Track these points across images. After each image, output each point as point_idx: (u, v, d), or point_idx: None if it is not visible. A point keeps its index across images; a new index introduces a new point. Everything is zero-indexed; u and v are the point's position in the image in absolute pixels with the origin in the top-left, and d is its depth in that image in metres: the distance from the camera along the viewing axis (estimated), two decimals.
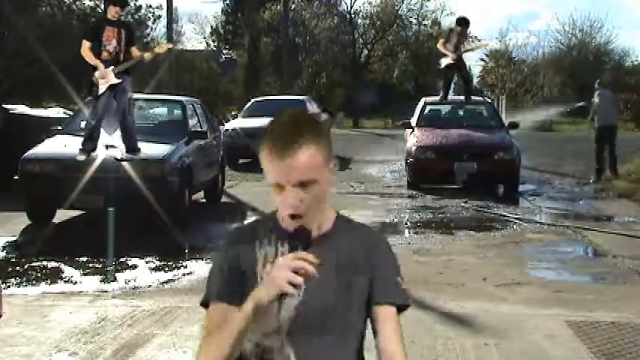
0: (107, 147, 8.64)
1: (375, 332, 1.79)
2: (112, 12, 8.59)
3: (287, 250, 1.72)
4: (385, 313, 1.77)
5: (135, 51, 8.79)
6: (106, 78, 8.44)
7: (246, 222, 1.93)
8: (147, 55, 8.90)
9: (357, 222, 1.92)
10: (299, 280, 1.59)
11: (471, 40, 13.91)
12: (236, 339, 1.68)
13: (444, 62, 13.39)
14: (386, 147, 17.75)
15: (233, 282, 1.78)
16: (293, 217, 1.69)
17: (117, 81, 8.53)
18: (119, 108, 8.67)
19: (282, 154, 1.65)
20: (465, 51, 13.73)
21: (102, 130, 8.74)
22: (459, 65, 13.48)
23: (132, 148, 8.55)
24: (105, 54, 8.52)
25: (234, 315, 1.69)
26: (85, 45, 8.54)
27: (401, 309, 1.80)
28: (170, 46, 10.13)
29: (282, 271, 1.60)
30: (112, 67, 8.51)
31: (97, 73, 8.47)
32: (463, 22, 13.40)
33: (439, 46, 13.58)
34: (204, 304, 1.83)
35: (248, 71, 35.56)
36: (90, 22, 28.59)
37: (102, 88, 8.50)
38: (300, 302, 1.72)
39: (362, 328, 1.81)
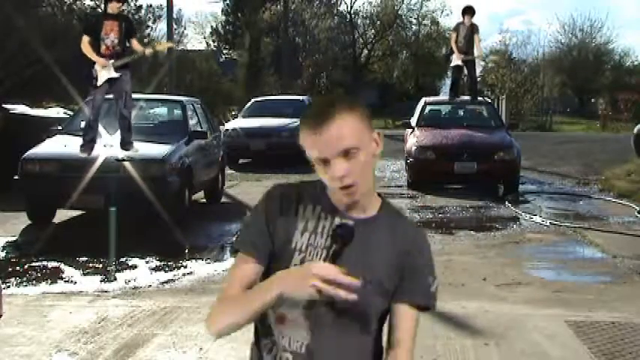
0: (106, 146, 8.64)
1: (390, 325, 1.81)
2: (113, 7, 8.60)
3: (327, 238, 1.72)
4: (406, 311, 1.79)
5: (135, 43, 8.77)
6: (106, 67, 8.43)
7: (291, 182, 1.88)
8: (147, 51, 8.91)
9: (401, 212, 1.91)
10: (330, 292, 1.58)
11: (480, 41, 13.41)
12: (251, 315, 1.70)
13: (454, 61, 13.32)
14: (386, 147, 17.76)
15: (267, 238, 1.77)
16: (344, 188, 1.70)
17: (116, 75, 8.53)
18: (117, 101, 8.65)
19: (318, 128, 1.68)
20: (475, 57, 13.51)
21: (101, 128, 8.74)
22: (467, 66, 13.40)
23: (126, 142, 8.54)
24: (104, 47, 8.53)
25: (254, 290, 1.69)
26: (85, 40, 8.55)
27: (423, 309, 1.83)
28: (171, 44, 10.19)
29: (315, 279, 1.58)
30: (112, 60, 8.50)
31: (96, 65, 8.47)
32: (468, 11, 13.06)
33: (451, 41, 13.45)
34: (236, 250, 1.82)
35: (248, 71, 35.52)
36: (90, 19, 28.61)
37: (101, 80, 8.49)
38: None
39: (384, 315, 1.81)
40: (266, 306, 1.67)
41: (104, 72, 8.48)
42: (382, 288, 1.75)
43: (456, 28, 13.35)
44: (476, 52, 13.36)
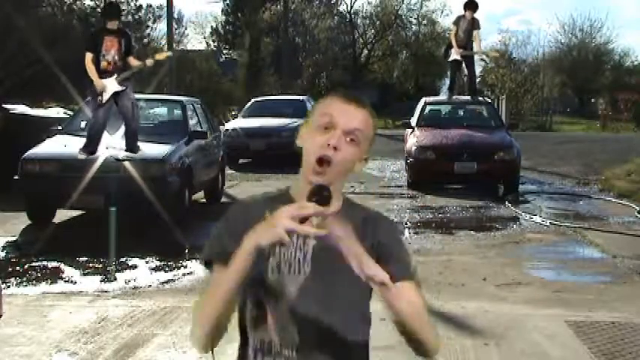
0: (107, 147, 8.65)
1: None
2: (111, 24, 8.75)
3: (298, 238, 1.70)
4: (402, 285, 1.74)
5: (132, 60, 8.84)
6: (105, 90, 8.52)
7: (259, 194, 1.89)
8: (148, 62, 8.98)
9: (362, 205, 1.91)
10: (301, 229, 1.57)
11: (480, 38, 13.21)
12: (232, 293, 1.67)
13: (452, 56, 13.18)
14: (386, 147, 17.74)
15: (233, 247, 1.72)
16: (321, 162, 1.70)
17: (120, 88, 8.60)
18: (123, 113, 8.72)
19: (352, 101, 1.77)
20: (474, 53, 13.42)
21: (104, 133, 8.76)
22: (466, 62, 13.29)
23: (132, 150, 8.58)
24: (104, 63, 8.63)
25: (228, 267, 1.66)
26: (88, 57, 8.65)
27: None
28: (170, 54, 10.26)
29: (284, 219, 1.57)
30: (115, 75, 8.57)
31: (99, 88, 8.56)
32: (471, 6, 12.84)
33: (451, 34, 13.30)
34: (207, 262, 1.79)
35: (248, 71, 35.53)
36: (90, 22, 28.64)
37: (106, 96, 8.57)
38: (306, 277, 1.72)
39: (367, 307, 1.79)
40: (246, 271, 1.63)
41: (109, 87, 8.54)
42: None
43: (457, 22, 13.16)
44: (475, 48, 13.26)
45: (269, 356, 1.73)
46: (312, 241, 1.74)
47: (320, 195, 1.62)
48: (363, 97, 1.89)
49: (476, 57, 14.16)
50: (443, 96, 14.26)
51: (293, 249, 1.75)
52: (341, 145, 1.71)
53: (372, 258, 1.66)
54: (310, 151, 1.73)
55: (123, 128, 8.83)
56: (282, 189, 1.88)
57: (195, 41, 47.65)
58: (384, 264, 1.67)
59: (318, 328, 1.72)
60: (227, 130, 16.02)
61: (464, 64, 13.52)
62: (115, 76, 8.58)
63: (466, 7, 12.97)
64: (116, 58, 8.64)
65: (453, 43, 12.97)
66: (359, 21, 46.89)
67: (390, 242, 1.81)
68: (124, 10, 32.45)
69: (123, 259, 7.06)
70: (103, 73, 8.55)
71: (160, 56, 9.49)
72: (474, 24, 12.89)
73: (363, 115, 1.77)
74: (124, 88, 8.63)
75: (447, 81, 14.26)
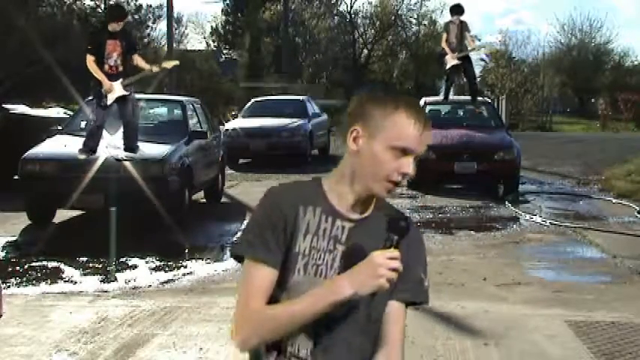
0: (108, 147, 8.65)
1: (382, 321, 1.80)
2: (114, 26, 8.68)
3: (330, 241, 1.73)
4: (399, 308, 1.80)
5: (138, 58, 8.80)
6: (112, 92, 8.52)
7: (288, 183, 1.84)
8: (155, 69, 8.95)
9: (393, 208, 1.89)
10: (394, 276, 1.61)
11: (472, 38, 13.12)
12: (301, 325, 1.66)
13: (449, 63, 13.11)
14: None
15: (281, 236, 1.72)
16: (395, 184, 1.73)
17: (125, 93, 8.61)
18: (123, 114, 8.73)
19: (425, 125, 1.75)
20: (470, 50, 13.33)
21: (103, 132, 8.76)
22: (464, 64, 13.22)
23: (131, 149, 8.58)
24: (107, 67, 8.62)
25: (308, 300, 1.64)
26: (90, 59, 8.62)
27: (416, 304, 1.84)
28: (177, 63, 10.25)
29: (386, 270, 1.59)
30: (121, 79, 8.57)
31: (103, 89, 8.55)
32: (457, 10, 12.73)
33: (442, 41, 13.23)
34: (239, 256, 1.76)
35: (248, 71, 35.55)
36: (90, 22, 28.63)
37: (110, 100, 8.57)
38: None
39: (382, 316, 1.80)
40: (326, 311, 1.64)
41: (117, 90, 8.55)
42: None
43: (446, 28, 13.04)
44: (470, 46, 13.19)
45: (283, 356, 1.72)
46: (340, 245, 1.74)
47: (397, 226, 1.66)
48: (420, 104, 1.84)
49: (474, 55, 14.05)
50: (442, 96, 14.20)
51: (323, 252, 1.73)
52: (413, 170, 1.73)
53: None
54: (378, 166, 1.71)
55: (122, 128, 8.82)
56: (311, 181, 1.83)
57: (195, 41, 47.71)
58: (398, 277, 1.68)
59: (334, 331, 1.72)
60: (227, 130, 16.01)
61: (463, 68, 13.44)
62: (121, 80, 8.59)
63: (452, 11, 12.88)
64: (118, 62, 8.63)
65: (446, 49, 12.91)
66: (359, 21, 46.91)
67: (410, 256, 1.79)
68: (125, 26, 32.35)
69: (123, 259, 7.06)
70: (106, 77, 8.56)
71: (167, 65, 9.50)
72: (463, 27, 12.85)
73: (429, 135, 1.77)
74: (127, 93, 8.65)
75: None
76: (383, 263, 1.59)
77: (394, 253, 1.61)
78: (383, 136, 1.70)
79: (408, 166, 1.71)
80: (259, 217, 1.75)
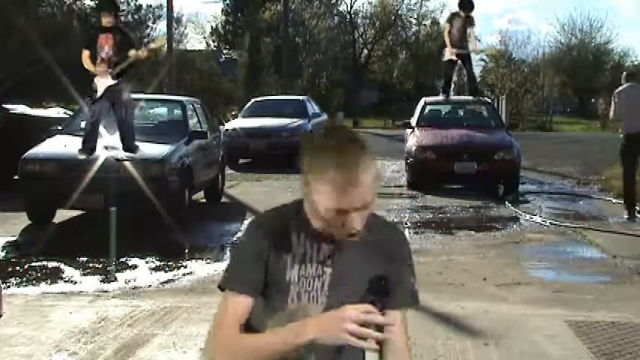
0: (107, 148, 8.65)
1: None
2: (105, 20, 8.75)
3: (318, 266, 1.72)
4: (399, 314, 1.80)
5: (132, 51, 8.81)
6: (100, 77, 8.52)
7: (271, 210, 1.82)
8: (141, 52, 8.82)
9: (381, 218, 1.89)
10: (365, 334, 1.55)
11: (475, 38, 13.04)
12: (271, 357, 1.66)
13: (447, 55, 13.02)
14: (386, 147, 17.75)
15: (262, 268, 1.72)
16: (350, 235, 1.67)
17: (113, 82, 8.59)
18: (117, 109, 8.71)
19: (348, 181, 1.59)
20: (469, 52, 13.25)
21: (101, 130, 8.77)
22: (464, 64, 13.16)
23: (130, 149, 8.57)
24: (99, 60, 8.64)
25: (279, 334, 1.64)
26: (85, 54, 8.70)
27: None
28: (162, 43, 10.21)
29: (351, 324, 1.55)
30: (110, 69, 8.57)
31: (96, 78, 8.56)
32: (467, 6, 12.56)
33: (445, 32, 13.08)
34: (223, 287, 1.77)
35: (248, 71, 35.55)
36: (91, 22, 28.63)
37: (100, 90, 8.57)
38: (324, 308, 1.71)
39: None
40: (292, 349, 1.63)
41: (102, 81, 8.54)
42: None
43: (450, 20, 12.95)
44: (470, 47, 13.15)
45: None
46: (329, 269, 1.74)
47: (379, 287, 1.63)
48: (349, 148, 1.61)
49: (473, 55, 13.98)
50: (441, 96, 14.18)
51: (311, 278, 1.73)
52: (362, 220, 1.65)
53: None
54: (315, 209, 1.65)
55: (118, 129, 8.82)
56: (293, 205, 1.79)
57: (195, 41, 47.74)
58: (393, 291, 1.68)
59: (333, 353, 1.71)
60: (227, 130, 16.02)
61: (460, 64, 13.36)
62: (110, 69, 8.57)
63: (463, 7, 12.73)
64: (110, 53, 8.64)
65: (447, 42, 12.80)
66: (359, 21, 46.96)
67: (401, 265, 1.81)
68: (123, 10, 32.50)
69: (123, 259, 7.06)
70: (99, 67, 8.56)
71: (153, 45, 9.49)
72: (467, 22, 12.68)
73: (365, 184, 1.60)
74: (115, 82, 8.60)
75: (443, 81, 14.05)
76: (351, 318, 1.55)
77: (368, 308, 1.58)
78: (318, 179, 1.63)
79: (355, 223, 1.64)
80: (242, 247, 1.79)
